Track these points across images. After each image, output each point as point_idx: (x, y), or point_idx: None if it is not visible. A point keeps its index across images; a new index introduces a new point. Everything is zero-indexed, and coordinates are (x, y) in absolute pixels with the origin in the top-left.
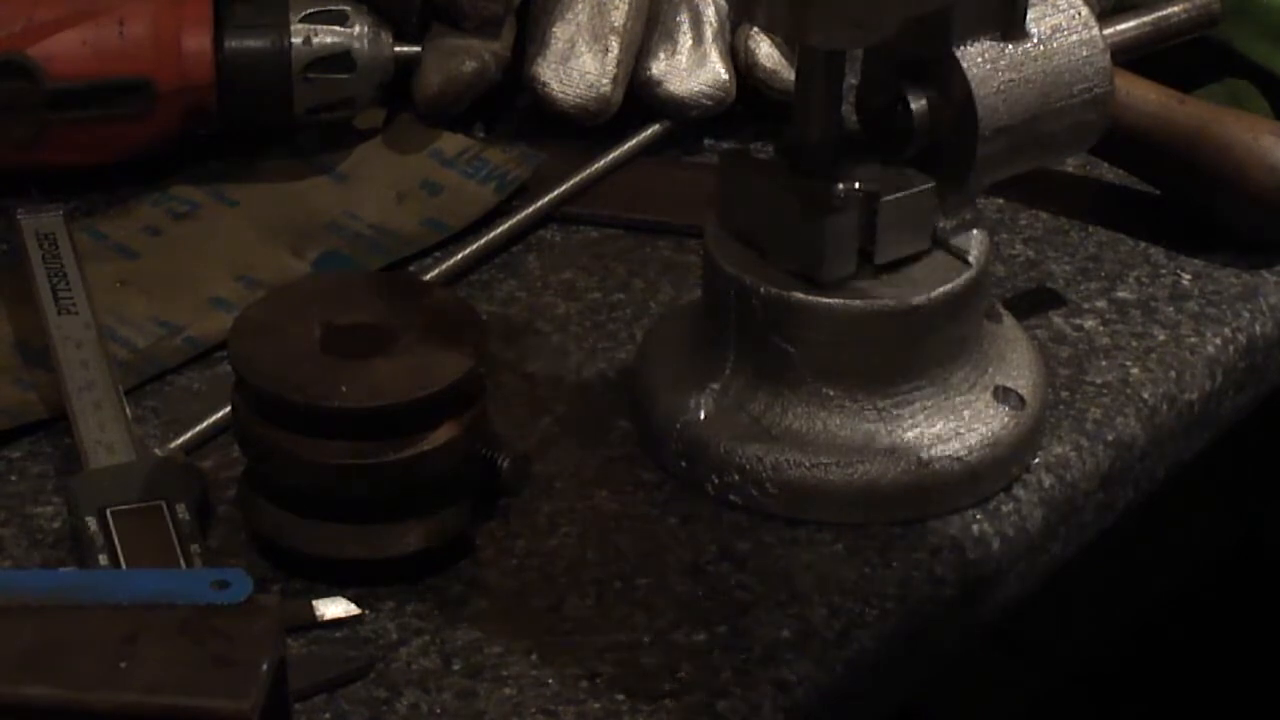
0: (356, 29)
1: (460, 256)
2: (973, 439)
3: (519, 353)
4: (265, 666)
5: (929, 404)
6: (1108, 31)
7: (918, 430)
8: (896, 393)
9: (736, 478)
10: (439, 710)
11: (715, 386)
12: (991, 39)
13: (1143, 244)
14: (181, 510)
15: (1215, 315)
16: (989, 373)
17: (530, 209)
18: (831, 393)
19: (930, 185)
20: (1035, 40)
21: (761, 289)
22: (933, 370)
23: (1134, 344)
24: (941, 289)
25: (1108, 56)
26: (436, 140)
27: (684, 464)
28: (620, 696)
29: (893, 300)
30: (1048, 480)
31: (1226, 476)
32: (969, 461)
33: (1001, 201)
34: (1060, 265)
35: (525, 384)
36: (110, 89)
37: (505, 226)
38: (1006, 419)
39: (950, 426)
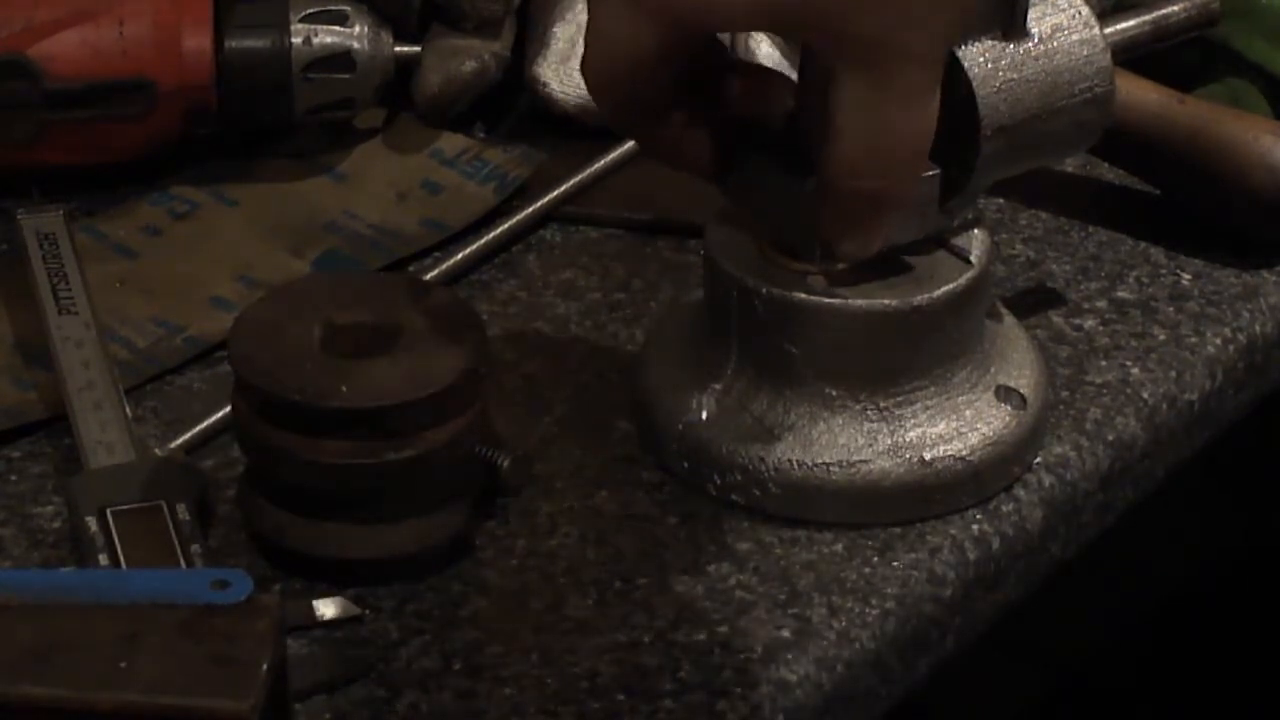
0: (356, 29)
1: (460, 256)
2: (975, 439)
3: (519, 353)
4: (265, 666)
5: (931, 404)
6: (1108, 31)
7: (920, 430)
8: (899, 392)
9: (739, 478)
10: (439, 710)
11: (717, 387)
12: (992, 38)
13: (1143, 244)
14: (181, 510)
15: (1215, 315)
16: (991, 372)
17: (530, 209)
18: (834, 393)
19: (936, 172)
20: (1036, 40)
21: (764, 290)
22: (935, 370)
23: (1134, 344)
24: (944, 289)
25: (1108, 56)
26: (436, 140)
27: (686, 465)
28: (620, 696)
29: (895, 300)
30: (1048, 480)
31: (1226, 476)
32: (971, 461)
33: (1001, 201)
34: (1060, 265)
35: (525, 384)
36: (110, 89)
37: (505, 226)
38: (1008, 418)
39: (952, 426)
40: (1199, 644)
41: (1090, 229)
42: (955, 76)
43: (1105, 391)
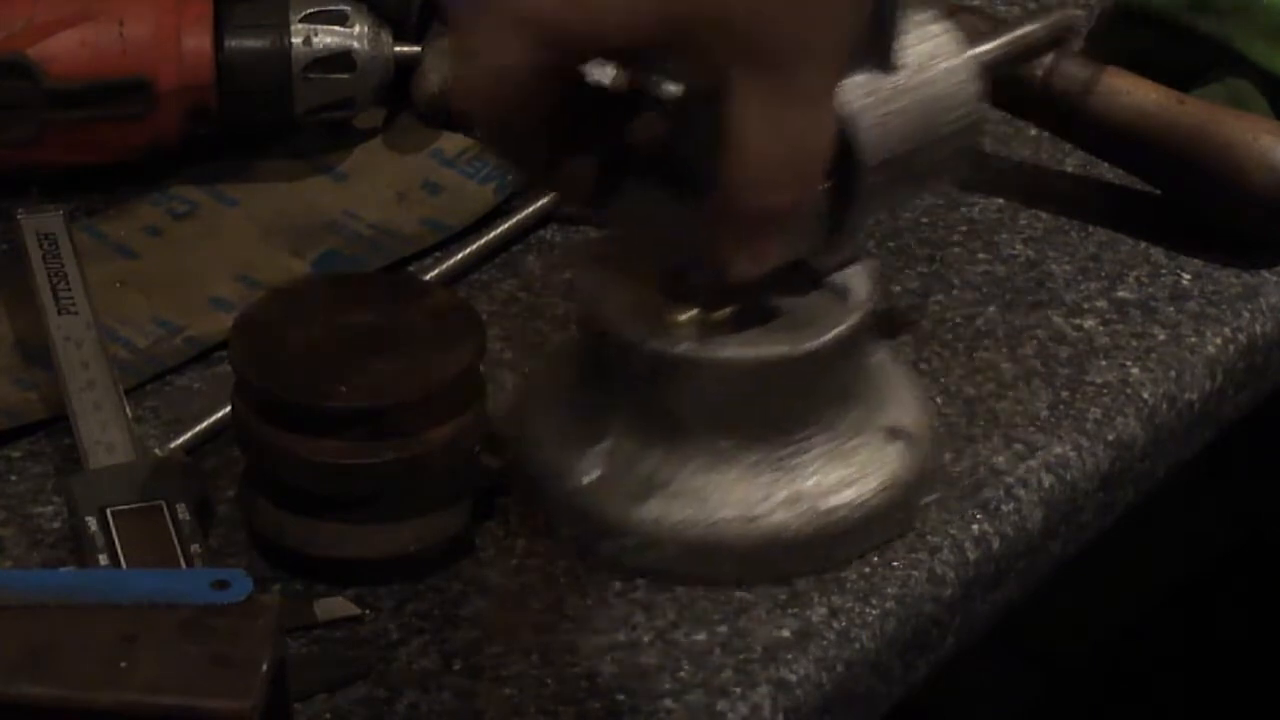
0: (356, 29)
1: (460, 256)
2: (870, 483)
3: (519, 353)
4: (265, 666)
5: (824, 450)
6: (973, 53)
7: (815, 479)
8: (790, 442)
9: (632, 541)
10: (439, 710)
11: (603, 446)
12: (866, 71)
13: (1143, 244)
14: (182, 510)
15: (1215, 315)
16: (879, 413)
17: (530, 209)
18: (725, 446)
19: (826, 184)
20: (909, 70)
21: (644, 345)
22: (826, 416)
23: (1134, 344)
24: (832, 333)
25: (979, 81)
26: (436, 140)
27: (577, 530)
28: (620, 696)
29: (783, 348)
30: (1048, 480)
31: (1226, 476)
32: (868, 506)
33: (1001, 201)
34: (1060, 265)
35: (525, 384)
36: (110, 89)
37: (505, 226)
38: (900, 459)
39: (847, 472)
40: (1199, 644)
41: (1090, 229)
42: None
43: (1105, 391)
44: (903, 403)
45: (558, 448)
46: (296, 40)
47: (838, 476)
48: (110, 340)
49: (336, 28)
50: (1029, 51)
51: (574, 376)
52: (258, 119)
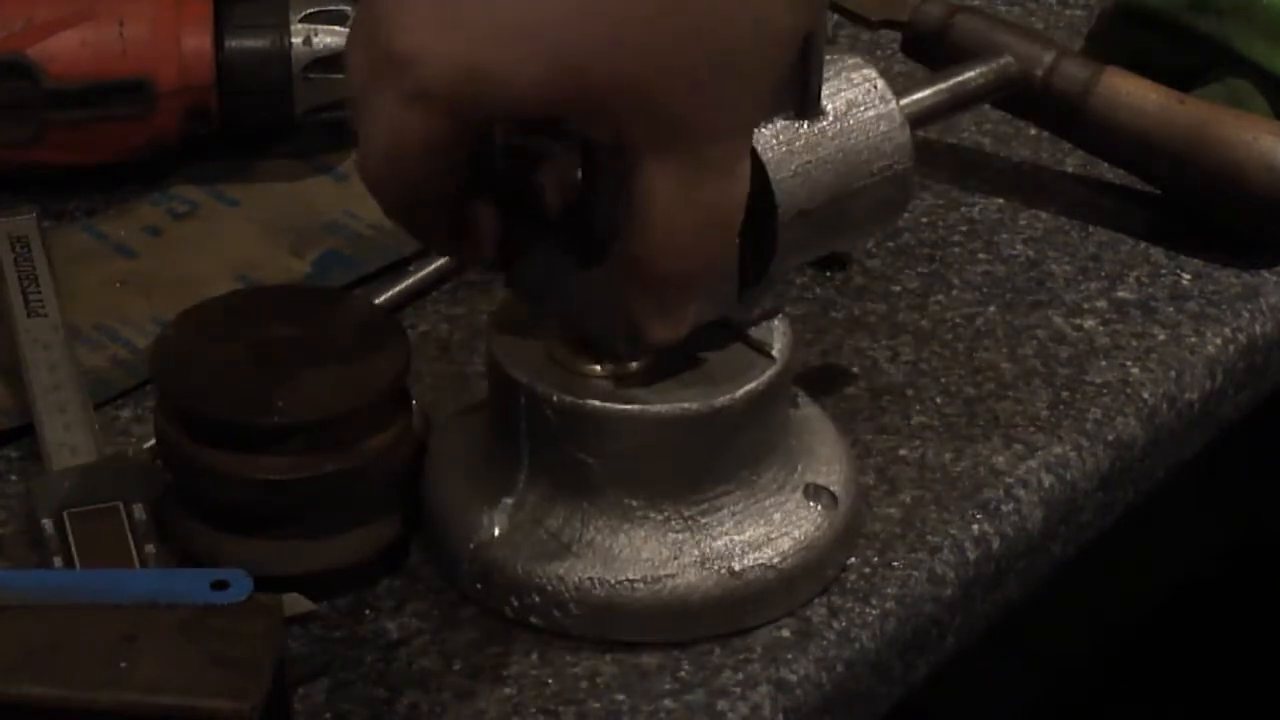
0: None
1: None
2: (786, 544)
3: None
4: (266, 666)
5: (737, 509)
6: (904, 103)
7: (727, 538)
8: (703, 499)
9: (537, 599)
10: (439, 710)
11: (509, 501)
12: (785, 118)
13: (1143, 244)
14: (138, 511)
15: (1215, 315)
16: (798, 470)
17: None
18: (634, 503)
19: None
20: (831, 117)
21: (554, 397)
22: (740, 473)
23: (1134, 344)
24: (746, 388)
25: (907, 131)
26: None
27: (480, 586)
28: (620, 696)
29: (695, 403)
30: (1048, 480)
31: (1226, 476)
32: (783, 569)
33: (1001, 201)
34: (1060, 265)
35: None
36: (110, 89)
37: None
38: (819, 519)
39: (761, 532)
40: (1199, 644)
41: (1090, 229)
42: (749, 160)
43: (1105, 391)
44: (825, 459)
45: (463, 501)
46: (296, 40)
47: (750, 536)
48: (110, 340)
49: (336, 28)
50: (964, 100)
51: (483, 427)
52: (258, 119)
